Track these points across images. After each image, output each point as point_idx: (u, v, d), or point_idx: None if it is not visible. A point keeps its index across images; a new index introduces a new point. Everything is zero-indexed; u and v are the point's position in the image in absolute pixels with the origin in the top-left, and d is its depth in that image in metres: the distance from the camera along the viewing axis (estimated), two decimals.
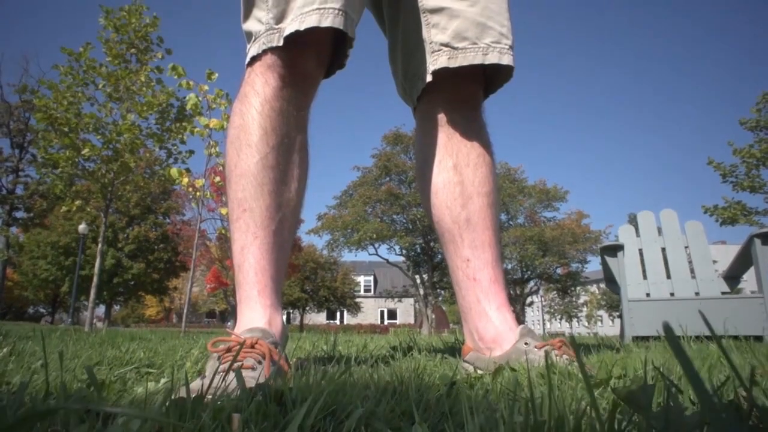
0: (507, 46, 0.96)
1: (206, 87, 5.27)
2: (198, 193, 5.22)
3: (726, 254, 31.05)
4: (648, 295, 3.98)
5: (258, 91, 0.90)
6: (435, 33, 0.98)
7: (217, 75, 5.31)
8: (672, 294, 3.95)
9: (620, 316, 3.80)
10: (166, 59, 9.44)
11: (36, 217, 25.60)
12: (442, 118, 1.03)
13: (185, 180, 5.15)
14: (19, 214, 25.38)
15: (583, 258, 30.31)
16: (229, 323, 41.21)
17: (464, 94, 1.02)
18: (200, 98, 5.26)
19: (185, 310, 5.62)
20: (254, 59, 0.92)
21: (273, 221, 0.88)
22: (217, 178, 5.84)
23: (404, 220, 28.22)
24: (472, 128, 1.02)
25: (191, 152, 9.10)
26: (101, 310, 31.70)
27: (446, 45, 0.97)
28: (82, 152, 8.48)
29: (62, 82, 8.52)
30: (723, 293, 3.79)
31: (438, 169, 1.02)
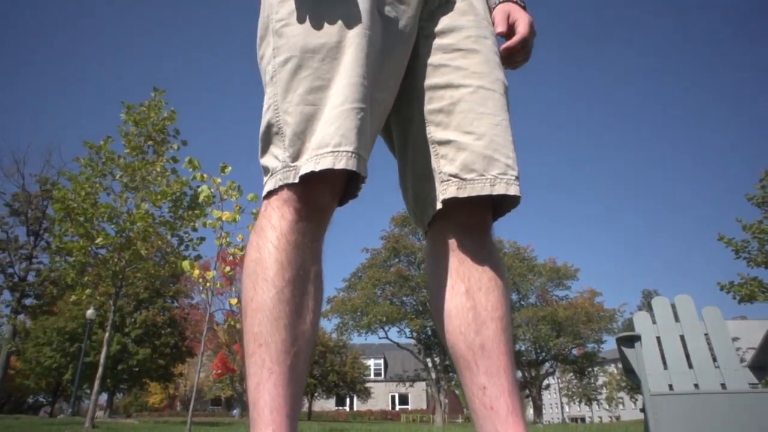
0: (513, 177, 1.00)
1: (219, 180, 5.46)
2: (208, 284, 5.24)
3: (747, 330, 30.03)
4: (671, 387, 3.82)
5: (274, 225, 0.92)
6: (444, 164, 1.03)
7: (230, 168, 5.51)
8: (696, 385, 3.79)
9: (643, 410, 3.63)
10: (181, 150, 9.86)
11: (45, 304, 25.58)
12: (452, 243, 1.05)
13: (196, 272, 5.20)
14: (29, 301, 25.39)
15: (598, 338, 29.47)
16: (234, 411, 39.66)
17: (474, 221, 1.05)
18: (213, 190, 5.43)
19: (192, 401, 5.45)
20: (271, 193, 0.95)
21: (288, 356, 0.87)
22: (227, 268, 5.90)
23: (414, 302, 27.84)
24: (483, 252, 1.04)
25: (202, 239, 9.25)
26: (103, 397, 30.79)
27: (455, 176, 1.01)
28: (96, 241, 8.63)
29: (82, 174, 8.85)
30: (751, 384, 3.63)
31: (450, 295, 1.02)
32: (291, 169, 0.92)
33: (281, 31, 0.97)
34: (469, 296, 1.00)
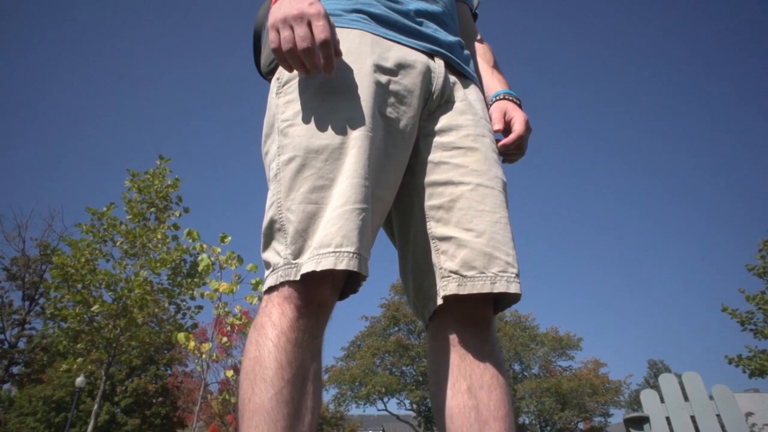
0: (513, 275, 1.00)
1: (219, 249, 5.47)
2: (204, 356, 5.12)
3: (761, 404, 28.96)
4: None
5: (275, 323, 0.92)
6: (444, 260, 1.03)
7: (230, 238, 5.53)
8: None
9: None
10: (183, 217, 9.94)
11: (34, 372, 24.83)
12: (454, 338, 1.03)
13: (192, 344, 5.09)
14: (17, 369, 24.67)
15: (605, 411, 28.39)
16: None
17: (474, 316, 1.04)
18: (213, 259, 5.42)
19: None
20: (272, 289, 0.95)
21: None
22: (224, 339, 5.79)
23: (414, 372, 27.06)
24: (485, 348, 1.02)
25: (200, 308, 9.12)
26: None
27: (455, 272, 1.01)
28: (92, 308, 8.51)
29: (82, 241, 8.87)
30: None
31: (452, 392, 1.00)
32: (292, 266, 0.92)
33: (286, 131, 1.00)
34: (471, 394, 0.98)
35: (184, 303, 9.06)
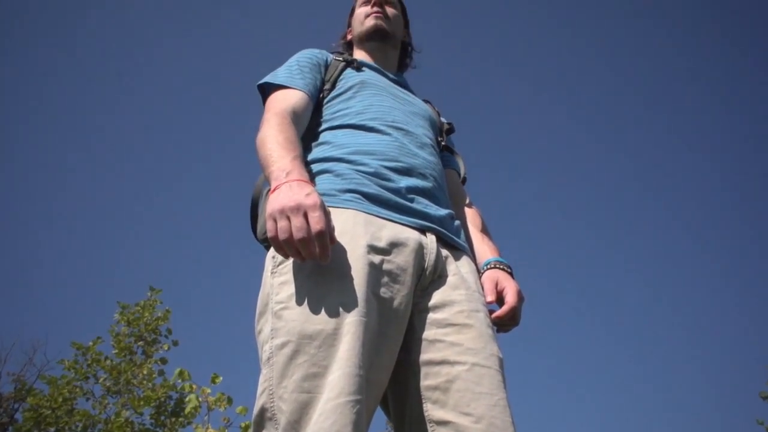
0: None
1: (209, 390, 5.21)
2: None
3: None
4: None
5: None
6: None
7: (221, 379, 5.30)
8: None
9: None
10: (171, 350, 9.55)
11: None
12: None
13: None
14: None
15: None
16: None
17: None
18: (201, 400, 5.14)
19: None
20: None
21: None
22: None
23: None
24: None
25: None
26: None
27: None
28: None
29: (63, 378, 8.42)
30: None
31: None
32: None
33: (280, 314, 1.00)
34: None
35: None
